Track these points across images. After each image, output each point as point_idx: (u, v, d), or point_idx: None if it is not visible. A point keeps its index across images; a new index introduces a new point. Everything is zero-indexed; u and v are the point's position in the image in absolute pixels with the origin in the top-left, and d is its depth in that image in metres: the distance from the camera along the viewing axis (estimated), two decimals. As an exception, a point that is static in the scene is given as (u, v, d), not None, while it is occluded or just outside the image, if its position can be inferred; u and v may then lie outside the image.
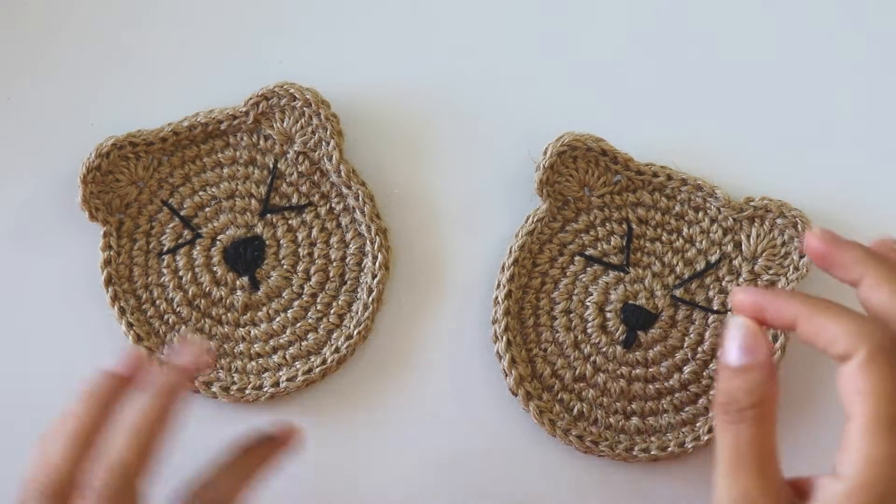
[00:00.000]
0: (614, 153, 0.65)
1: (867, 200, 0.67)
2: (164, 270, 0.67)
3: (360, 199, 0.66)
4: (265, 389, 0.66)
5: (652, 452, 0.64)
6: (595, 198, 0.66)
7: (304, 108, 0.66)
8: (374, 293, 0.66)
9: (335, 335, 0.66)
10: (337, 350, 0.66)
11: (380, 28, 0.70)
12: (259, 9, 0.70)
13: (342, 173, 0.66)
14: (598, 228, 0.66)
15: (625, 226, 0.66)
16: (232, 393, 0.66)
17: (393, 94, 0.69)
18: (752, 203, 0.65)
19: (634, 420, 0.65)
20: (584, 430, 0.65)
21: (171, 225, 0.67)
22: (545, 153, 0.65)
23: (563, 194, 0.66)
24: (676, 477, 0.65)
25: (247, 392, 0.66)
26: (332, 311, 0.67)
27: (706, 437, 0.64)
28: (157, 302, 0.67)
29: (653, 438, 0.65)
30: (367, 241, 0.66)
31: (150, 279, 0.67)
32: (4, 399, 0.67)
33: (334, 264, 0.67)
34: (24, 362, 0.67)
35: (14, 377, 0.67)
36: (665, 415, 0.65)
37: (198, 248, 0.67)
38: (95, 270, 0.67)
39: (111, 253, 0.67)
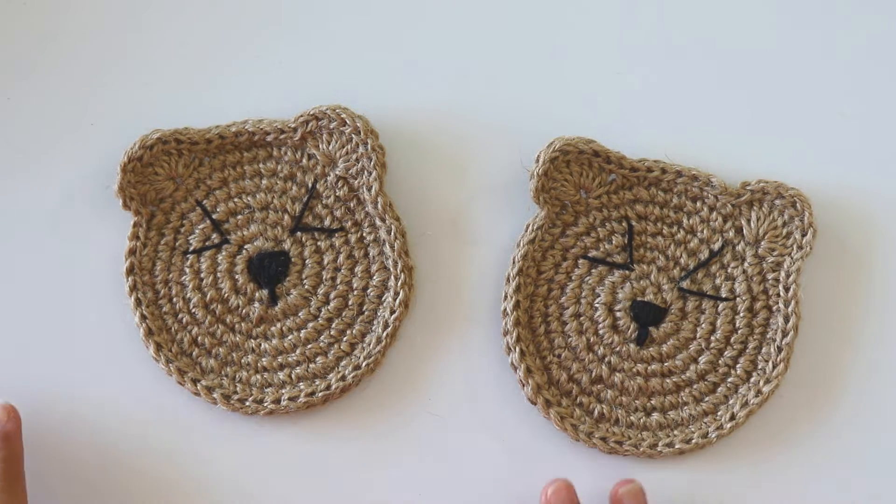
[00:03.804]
0: (606, 153, 0.66)
1: (861, 177, 0.68)
2: (187, 269, 0.67)
3: (393, 233, 0.66)
4: (265, 404, 0.66)
5: (676, 446, 0.65)
6: (592, 199, 0.66)
7: (353, 135, 0.66)
8: (389, 328, 0.66)
9: (343, 363, 0.66)
10: (343, 378, 0.66)
11: (379, 38, 0.70)
12: (259, 9, 0.70)
13: (379, 205, 0.66)
14: (599, 229, 0.67)
15: (625, 224, 0.66)
16: (232, 402, 0.66)
17: (388, 101, 0.69)
18: (748, 187, 0.65)
19: (656, 416, 0.65)
20: (607, 432, 0.65)
21: (202, 226, 0.67)
22: (537, 160, 0.65)
23: (559, 199, 0.66)
24: (703, 469, 0.65)
25: (247, 403, 0.66)
26: (344, 339, 0.67)
27: (729, 426, 0.64)
28: (174, 299, 0.67)
29: (676, 432, 0.65)
30: (392, 277, 0.66)
31: (171, 276, 0.67)
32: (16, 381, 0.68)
33: (355, 293, 0.67)
34: (43, 339, 0.68)
35: (31, 355, 0.68)
36: (686, 407, 0.65)
37: (223, 253, 0.67)
38: (120, 258, 0.67)
39: (137, 243, 0.67)
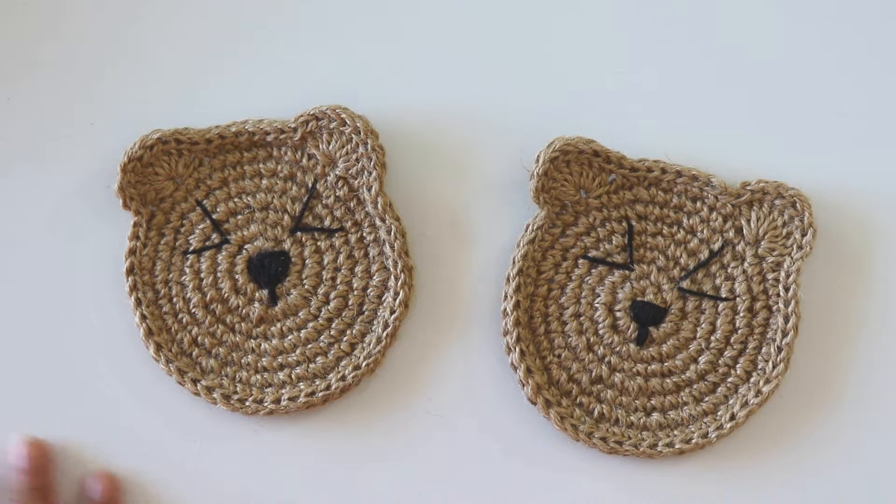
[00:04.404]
0: (606, 153, 0.66)
1: (861, 177, 0.68)
2: (187, 269, 0.67)
3: (393, 233, 0.66)
4: (265, 404, 0.66)
5: (676, 446, 0.65)
6: (592, 199, 0.66)
7: (353, 135, 0.66)
8: (389, 328, 0.66)
9: (343, 363, 0.66)
10: (343, 378, 0.66)
11: (379, 38, 0.70)
12: (259, 9, 0.70)
13: (379, 205, 0.66)
14: (599, 229, 0.67)
15: (625, 224, 0.66)
16: (232, 402, 0.66)
17: (388, 101, 0.69)
18: (748, 187, 0.65)
19: (655, 416, 0.65)
20: (607, 432, 0.65)
21: (202, 226, 0.67)
22: (537, 160, 0.65)
23: (559, 199, 0.66)
24: (703, 469, 0.66)
25: (247, 403, 0.66)
26: (344, 339, 0.67)
27: (729, 426, 0.64)
28: (174, 299, 0.67)
29: (676, 432, 0.65)
30: (392, 277, 0.66)
31: (171, 276, 0.67)
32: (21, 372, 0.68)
33: (355, 293, 0.67)
34: (43, 339, 0.68)
35: (30, 355, 0.68)
36: (685, 407, 0.66)
37: (223, 253, 0.67)
38: (120, 258, 0.67)
39: (137, 243, 0.67)
